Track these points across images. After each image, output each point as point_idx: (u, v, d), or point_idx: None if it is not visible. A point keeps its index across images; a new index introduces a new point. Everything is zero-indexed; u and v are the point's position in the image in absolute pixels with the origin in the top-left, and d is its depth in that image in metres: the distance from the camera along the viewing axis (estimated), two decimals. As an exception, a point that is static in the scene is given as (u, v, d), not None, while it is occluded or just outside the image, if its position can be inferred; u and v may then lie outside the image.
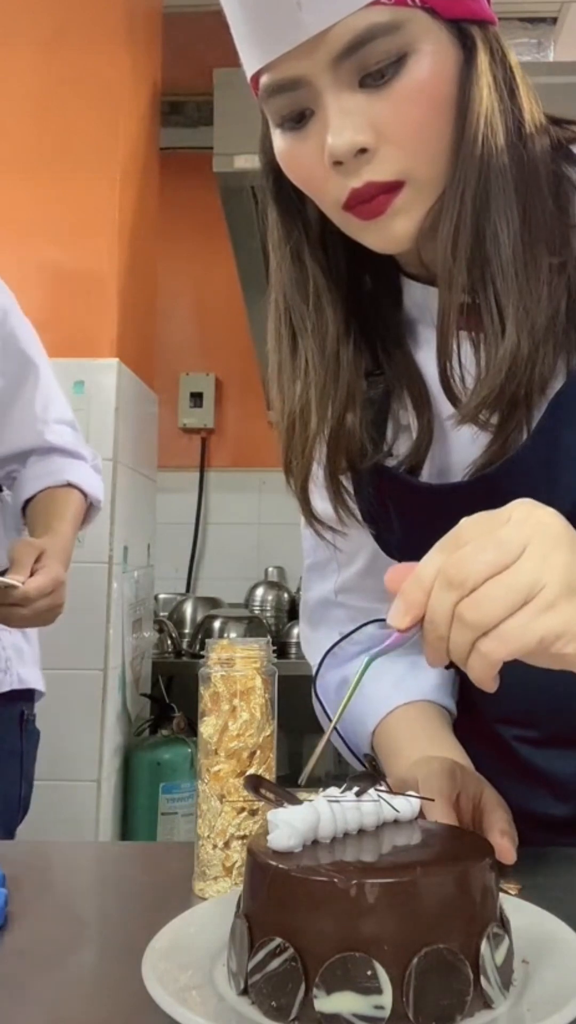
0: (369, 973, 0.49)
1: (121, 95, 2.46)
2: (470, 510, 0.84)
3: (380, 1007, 0.49)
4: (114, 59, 2.44)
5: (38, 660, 1.63)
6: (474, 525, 0.65)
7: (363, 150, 0.76)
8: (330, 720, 0.99)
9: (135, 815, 2.57)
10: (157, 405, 2.87)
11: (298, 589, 3.17)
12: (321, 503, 0.92)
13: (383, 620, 1.00)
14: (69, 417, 1.67)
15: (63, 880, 0.79)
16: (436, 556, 0.64)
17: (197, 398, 3.54)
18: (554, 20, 2.81)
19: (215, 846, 0.72)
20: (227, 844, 0.72)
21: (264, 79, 0.78)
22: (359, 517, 0.93)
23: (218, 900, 0.65)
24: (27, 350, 1.61)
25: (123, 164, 2.45)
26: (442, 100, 0.77)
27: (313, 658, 1.05)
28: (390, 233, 0.80)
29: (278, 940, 0.51)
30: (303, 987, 0.50)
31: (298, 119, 0.78)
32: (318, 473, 0.91)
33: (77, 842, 0.98)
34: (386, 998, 0.49)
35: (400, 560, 0.95)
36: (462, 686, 0.96)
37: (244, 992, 0.53)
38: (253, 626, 2.84)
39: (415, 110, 0.76)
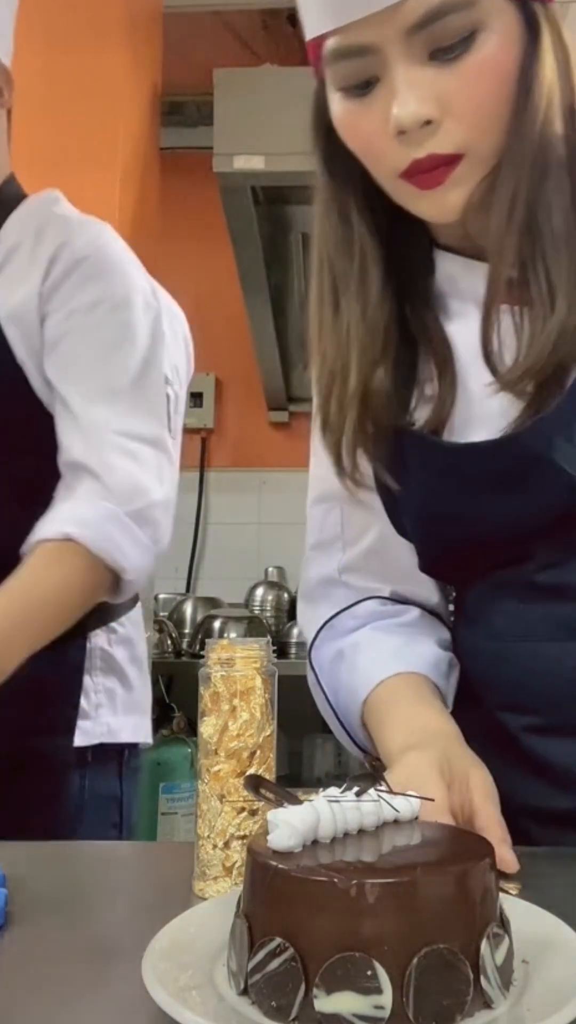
0: (369, 973, 0.49)
1: (121, 95, 2.46)
2: (492, 470, 0.86)
3: (380, 1007, 0.49)
4: (114, 59, 2.44)
5: (140, 706, 1.35)
6: None
7: (428, 122, 0.78)
8: (323, 691, 1.00)
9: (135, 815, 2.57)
10: (157, 405, 2.87)
11: (298, 589, 3.19)
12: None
13: (384, 597, 1.01)
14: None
15: (63, 880, 0.79)
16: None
17: (197, 398, 3.54)
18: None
19: (215, 846, 0.72)
20: (227, 844, 0.72)
21: (332, 42, 0.81)
22: (370, 484, 0.94)
23: (218, 900, 0.65)
24: None
25: (123, 164, 2.45)
26: (507, 77, 0.80)
27: (309, 630, 1.05)
28: (445, 203, 0.83)
29: (278, 940, 0.51)
30: (303, 987, 0.50)
31: (363, 86, 0.81)
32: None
33: (77, 842, 0.98)
34: (386, 998, 0.49)
35: (409, 535, 0.96)
36: (463, 676, 0.96)
37: (244, 992, 0.53)
38: (253, 626, 2.84)
39: (481, 87, 0.79)
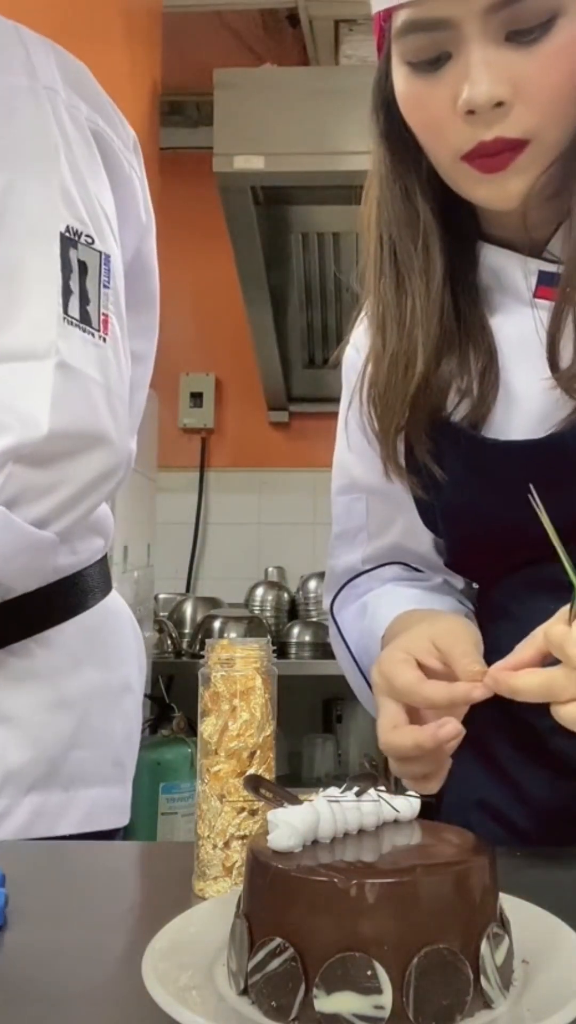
0: (369, 973, 0.49)
1: (121, 95, 2.46)
2: (533, 468, 0.85)
3: (380, 1007, 0.49)
4: (114, 59, 2.44)
5: (120, 780, 1.08)
6: None
7: (499, 104, 0.77)
8: (344, 641, 1.01)
9: (135, 815, 2.57)
10: (157, 405, 2.87)
11: (298, 589, 3.20)
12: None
13: (406, 564, 1.01)
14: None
15: (63, 880, 0.79)
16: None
17: (197, 398, 3.54)
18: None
19: (215, 846, 0.72)
20: (227, 844, 0.72)
21: (406, 14, 0.78)
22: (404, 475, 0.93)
23: (218, 900, 0.65)
24: None
25: (123, 164, 2.45)
26: None
27: (330, 593, 1.06)
28: (506, 190, 0.82)
29: (278, 940, 0.51)
30: (303, 987, 0.49)
31: (434, 61, 0.79)
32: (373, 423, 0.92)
33: (77, 842, 0.98)
34: (386, 998, 0.48)
35: (440, 529, 0.95)
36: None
37: (244, 992, 0.52)
38: (253, 626, 2.84)
39: (556, 72, 0.77)
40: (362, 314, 1.00)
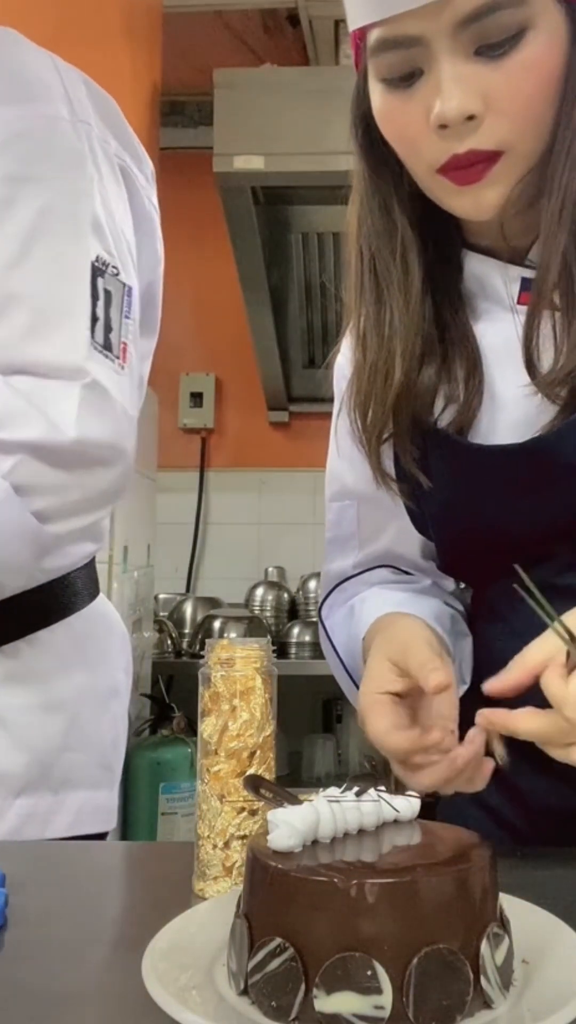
0: (369, 973, 0.49)
1: (121, 95, 2.45)
2: (519, 472, 0.86)
3: (380, 1007, 0.49)
4: (113, 59, 2.44)
5: (108, 784, 1.08)
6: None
7: (471, 117, 0.78)
8: (331, 643, 1.02)
9: (135, 815, 2.57)
10: (157, 405, 2.87)
11: (298, 589, 3.20)
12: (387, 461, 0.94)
13: (395, 567, 1.02)
14: None
15: (63, 880, 0.79)
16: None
17: (197, 398, 3.54)
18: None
19: (215, 846, 0.72)
20: (227, 844, 0.72)
21: (378, 32, 0.80)
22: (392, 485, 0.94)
23: (218, 900, 0.65)
24: None
25: (123, 164, 2.45)
26: (552, 77, 0.79)
27: (323, 593, 1.07)
28: (481, 201, 0.83)
29: (278, 940, 0.51)
30: (303, 987, 0.50)
31: (406, 78, 0.80)
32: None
33: (77, 842, 0.98)
34: (386, 998, 0.48)
35: (431, 534, 0.96)
36: (482, 677, 0.96)
37: (244, 992, 0.52)
38: (253, 626, 2.84)
39: (526, 85, 0.78)
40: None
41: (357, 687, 0.98)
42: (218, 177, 2.57)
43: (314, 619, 3.00)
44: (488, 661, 0.95)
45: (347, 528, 1.04)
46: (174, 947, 0.57)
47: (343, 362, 1.01)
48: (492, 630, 0.95)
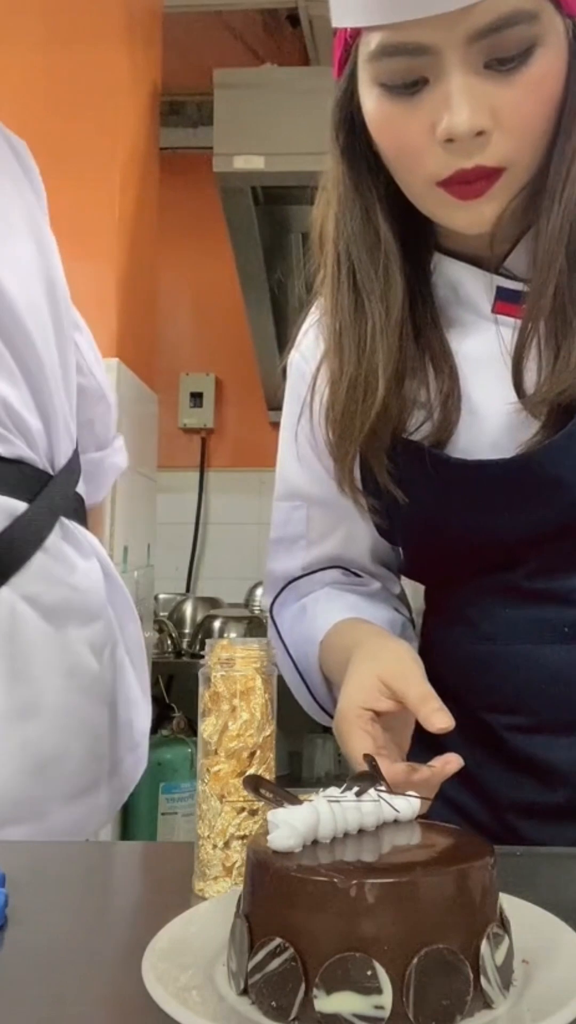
0: (369, 973, 0.49)
1: (121, 95, 2.46)
2: (498, 487, 0.86)
3: (380, 1007, 0.48)
4: (114, 59, 2.44)
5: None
6: None
7: (480, 133, 0.77)
8: (283, 642, 1.02)
9: (135, 815, 2.57)
10: (157, 405, 2.87)
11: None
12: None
13: (345, 569, 1.02)
14: None
15: (63, 880, 0.79)
16: None
17: (197, 398, 3.55)
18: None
19: (215, 846, 0.72)
20: (227, 844, 0.72)
21: (383, 37, 0.77)
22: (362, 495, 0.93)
23: (218, 900, 0.65)
24: None
25: (123, 164, 2.45)
26: (555, 95, 0.79)
27: (269, 595, 1.07)
28: (480, 215, 0.82)
29: (278, 940, 0.51)
30: (303, 987, 0.49)
31: (409, 85, 0.78)
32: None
33: (77, 842, 0.98)
34: (386, 998, 0.48)
35: (399, 541, 0.96)
36: (442, 675, 0.96)
37: (244, 992, 0.52)
38: (253, 626, 2.85)
39: (533, 102, 0.77)
40: (309, 320, 0.99)
41: (307, 687, 0.99)
42: (218, 177, 2.57)
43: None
44: (452, 661, 0.95)
45: (295, 529, 1.03)
46: (174, 947, 0.57)
47: (300, 361, 0.99)
48: (456, 631, 0.95)
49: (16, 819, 0.98)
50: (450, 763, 0.73)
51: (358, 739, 0.76)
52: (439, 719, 0.73)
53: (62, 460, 1.11)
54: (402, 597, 1.05)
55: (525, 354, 0.84)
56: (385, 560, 1.02)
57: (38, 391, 1.06)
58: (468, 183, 0.79)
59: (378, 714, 0.79)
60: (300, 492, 1.01)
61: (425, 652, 0.98)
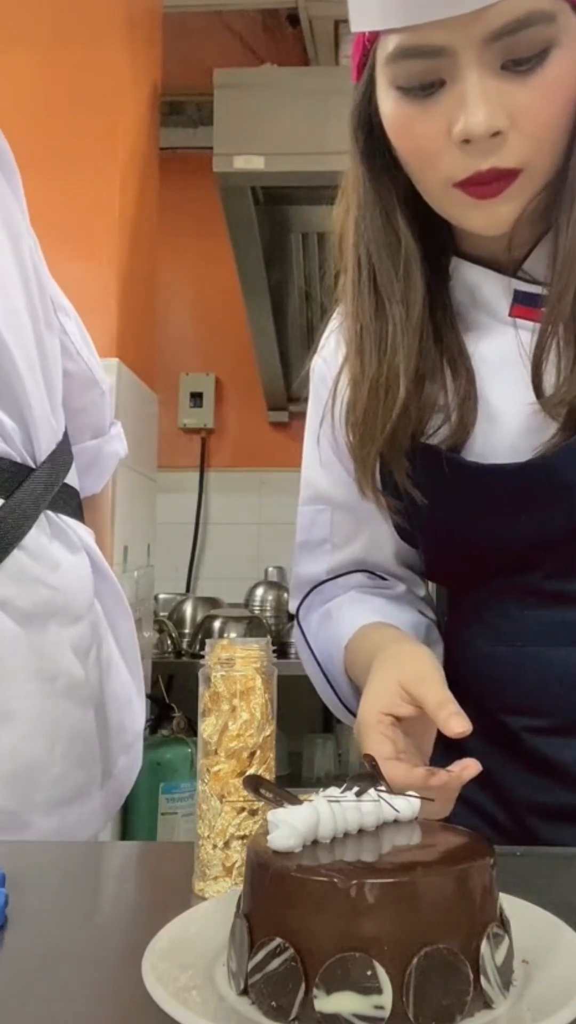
0: (369, 973, 0.49)
1: (121, 95, 2.46)
2: (515, 490, 0.86)
3: (380, 1007, 0.48)
4: (114, 59, 2.44)
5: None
6: None
7: (496, 133, 0.76)
8: (309, 647, 1.02)
9: (135, 815, 2.57)
10: (157, 405, 2.87)
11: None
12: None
13: (370, 572, 1.02)
14: None
15: (63, 880, 0.79)
16: None
17: (197, 398, 3.55)
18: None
19: (215, 846, 0.72)
20: (227, 844, 0.72)
21: (400, 39, 0.77)
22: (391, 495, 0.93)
23: (218, 900, 0.65)
24: None
25: (123, 164, 2.45)
26: (573, 96, 0.78)
27: (296, 598, 1.07)
28: (497, 216, 0.81)
29: (278, 940, 0.51)
30: (303, 987, 0.49)
31: (426, 87, 0.78)
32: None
33: (77, 842, 0.98)
34: (386, 998, 0.48)
35: (418, 544, 0.96)
36: (461, 677, 0.96)
37: (244, 992, 0.52)
38: (253, 626, 2.85)
39: (550, 103, 0.77)
40: (331, 325, 0.99)
41: (333, 690, 0.99)
42: (218, 177, 2.57)
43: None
44: (471, 663, 0.95)
45: (319, 533, 1.03)
46: (174, 947, 0.57)
47: (322, 365, 1.00)
48: (475, 633, 0.95)
49: None
50: (468, 768, 0.71)
51: (377, 744, 0.76)
52: (456, 723, 0.72)
53: (44, 451, 1.08)
54: (427, 600, 1.04)
55: (544, 356, 0.84)
56: (409, 563, 1.02)
57: (7, 383, 1.02)
58: (485, 184, 0.79)
59: (399, 719, 0.78)
60: (324, 496, 1.01)
61: (446, 653, 0.98)
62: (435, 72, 0.77)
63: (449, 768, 0.72)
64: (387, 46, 0.78)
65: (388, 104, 0.81)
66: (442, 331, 0.90)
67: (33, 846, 0.89)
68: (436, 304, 0.90)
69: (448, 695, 0.76)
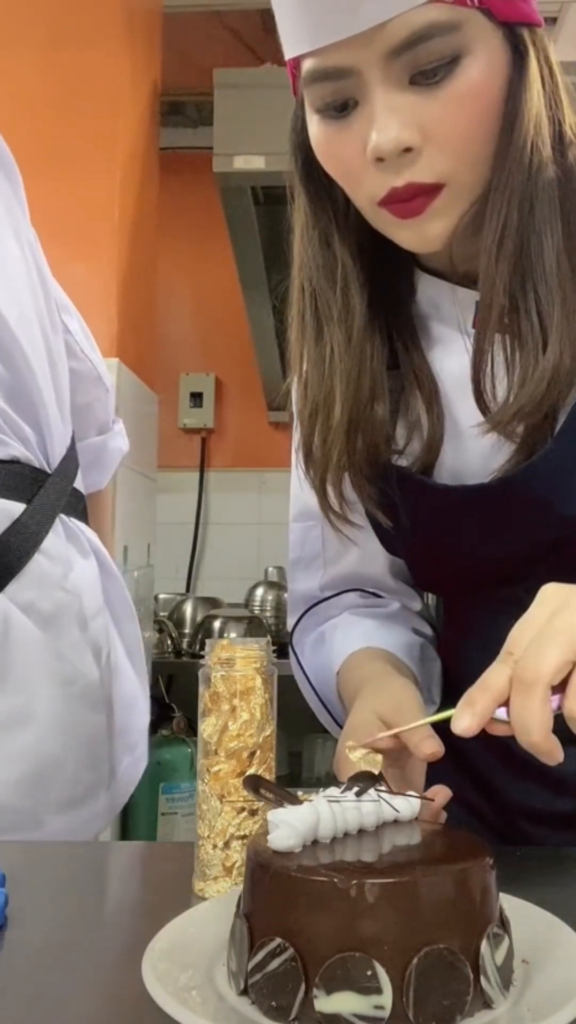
0: (369, 973, 0.49)
1: (121, 95, 2.46)
2: (484, 510, 0.85)
3: (380, 1007, 0.49)
4: (114, 59, 2.44)
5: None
6: (521, 631, 0.64)
7: (408, 149, 0.75)
8: (303, 671, 1.02)
9: (135, 815, 2.57)
10: (157, 405, 2.87)
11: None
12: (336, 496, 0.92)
13: (363, 590, 1.01)
14: None
15: (63, 880, 0.79)
16: (500, 668, 0.63)
17: (197, 398, 3.54)
18: (554, 20, 2.81)
19: (215, 846, 0.72)
20: (227, 844, 0.72)
21: (309, 63, 0.77)
22: (360, 514, 0.92)
23: (218, 900, 0.65)
24: None
25: (123, 164, 2.45)
26: (491, 105, 0.76)
27: (292, 618, 1.07)
28: (425, 233, 0.79)
29: (278, 940, 0.51)
30: (303, 987, 0.49)
31: (341, 108, 0.77)
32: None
33: (77, 842, 0.98)
34: (386, 998, 0.48)
35: (405, 561, 0.96)
36: (455, 681, 0.96)
37: (244, 992, 0.52)
38: (253, 626, 2.84)
39: (464, 114, 0.75)
40: None
41: (329, 713, 0.99)
42: (218, 177, 2.57)
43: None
44: (466, 674, 0.94)
45: (311, 549, 1.03)
46: (174, 947, 0.57)
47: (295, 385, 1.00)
48: (468, 644, 0.95)
49: (10, 829, 0.97)
50: (438, 795, 0.71)
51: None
52: (427, 746, 0.72)
53: (58, 455, 1.09)
54: (424, 614, 1.04)
55: (482, 370, 0.82)
56: (404, 575, 1.02)
57: (24, 390, 1.04)
58: (404, 201, 0.77)
59: (381, 752, 0.78)
60: (313, 512, 1.01)
61: (444, 663, 0.98)
62: (346, 92, 0.76)
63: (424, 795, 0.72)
64: (303, 70, 0.78)
65: (312, 127, 0.81)
66: (402, 348, 0.88)
67: (33, 846, 0.89)
68: (396, 320, 0.88)
69: (423, 721, 0.75)
